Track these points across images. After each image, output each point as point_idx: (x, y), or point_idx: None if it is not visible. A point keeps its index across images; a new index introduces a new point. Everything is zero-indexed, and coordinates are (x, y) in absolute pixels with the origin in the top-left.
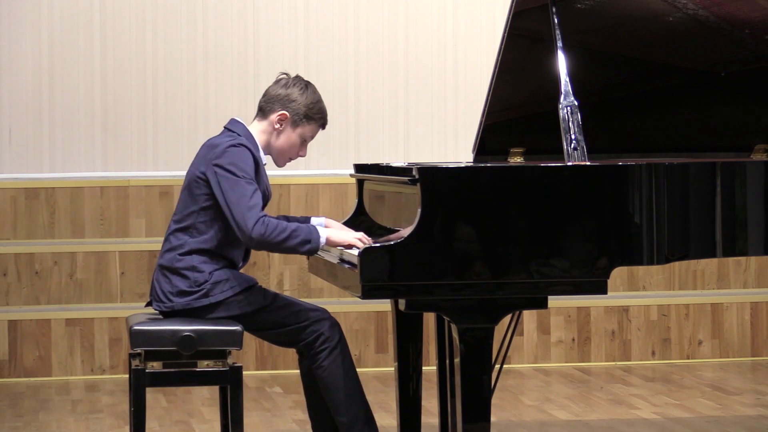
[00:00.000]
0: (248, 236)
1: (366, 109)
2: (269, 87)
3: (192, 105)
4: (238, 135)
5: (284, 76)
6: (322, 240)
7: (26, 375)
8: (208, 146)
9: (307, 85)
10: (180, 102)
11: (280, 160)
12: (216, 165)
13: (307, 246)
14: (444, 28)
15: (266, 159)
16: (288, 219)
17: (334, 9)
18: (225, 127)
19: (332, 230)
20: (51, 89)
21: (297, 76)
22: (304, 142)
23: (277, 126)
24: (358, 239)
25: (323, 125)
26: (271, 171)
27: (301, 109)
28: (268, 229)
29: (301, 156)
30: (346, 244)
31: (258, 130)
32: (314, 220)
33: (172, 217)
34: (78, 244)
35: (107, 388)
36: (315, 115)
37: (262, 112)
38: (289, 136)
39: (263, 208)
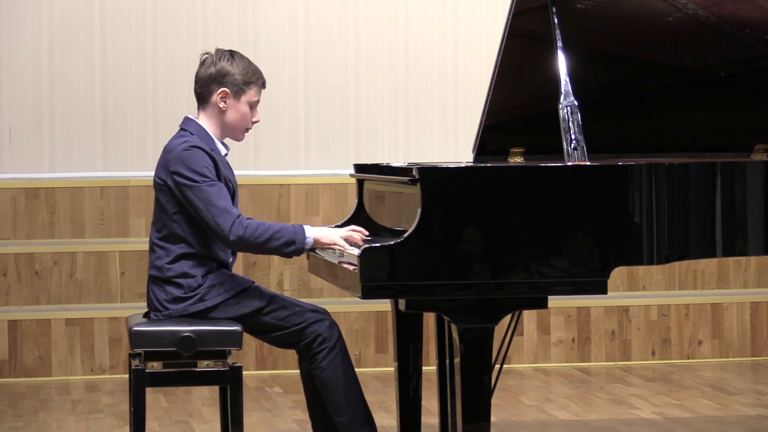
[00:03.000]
0: (226, 239)
1: (366, 109)
2: (197, 71)
3: (192, 105)
4: (191, 134)
5: (207, 55)
6: (309, 241)
7: (26, 375)
8: (164, 151)
9: (232, 54)
10: (180, 102)
11: (238, 134)
12: (172, 172)
13: (291, 247)
14: (444, 28)
15: (226, 147)
16: None
17: (334, 9)
18: (180, 127)
19: (320, 231)
20: (51, 89)
21: (218, 50)
22: (252, 108)
23: (221, 105)
24: (343, 237)
25: (263, 84)
26: (272, 171)
27: (238, 78)
28: (248, 231)
29: (255, 122)
30: (332, 243)
31: (205, 117)
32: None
33: (152, 224)
34: (78, 244)
35: (107, 388)
36: (252, 78)
37: (202, 98)
38: (237, 109)
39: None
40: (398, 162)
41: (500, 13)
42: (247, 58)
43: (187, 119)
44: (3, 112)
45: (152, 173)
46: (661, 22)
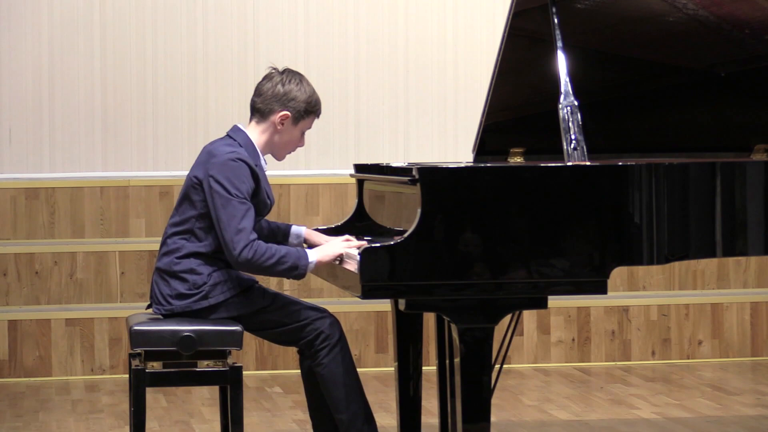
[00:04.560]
0: (234, 259)
1: (366, 109)
2: (262, 85)
3: (192, 105)
4: (239, 144)
5: (274, 71)
6: (311, 266)
7: (26, 375)
8: (208, 152)
9: (301, 79)
10: (180, 102)
11: (283, 154)
12: (212, 177)
13: (294, 272)
14: (444, 28)
15: (265, 162)
16: (269, 224)
17: (334, 9)
18: (227, 134)
19: (321, 252)
20: (51, 89)
21: (287, 70)
22: (302, 135)
23: (279, 126)
24: (345, 247)
25: (319, 114)
26: (271, 171)
27: (302, 105)
28: (256, 255)
29: (300, 146)
30: (337, 256)
31: (258, 131)
32: (294, 229)
33: (170, 220)
34: (78, 244)
35: (107, 388)
36: (313, 108)
37: (260, 113)
38: (291, 133)
39: (265, 215)
40: (398, 162)
41: (500, 13)
42: (312, 86)
43: (236, 128)
44: (3, 112)
45: (152, 173)
46: (661, 22)
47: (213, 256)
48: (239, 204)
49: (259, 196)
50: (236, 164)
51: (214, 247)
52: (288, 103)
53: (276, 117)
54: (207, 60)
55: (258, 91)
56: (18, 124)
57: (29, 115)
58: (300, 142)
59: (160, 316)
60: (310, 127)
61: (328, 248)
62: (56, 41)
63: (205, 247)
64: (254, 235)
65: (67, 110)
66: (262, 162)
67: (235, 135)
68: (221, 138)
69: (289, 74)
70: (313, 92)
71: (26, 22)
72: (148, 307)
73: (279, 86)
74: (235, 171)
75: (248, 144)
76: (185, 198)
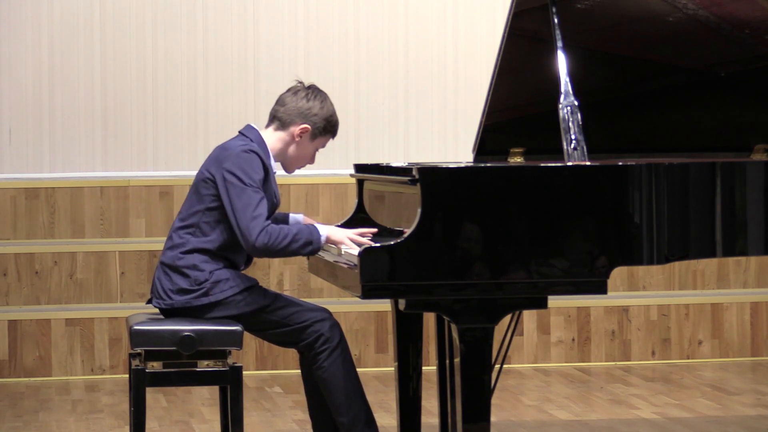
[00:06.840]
0: (252, 245)
1: (366, 109)
2: (286, 96)
3: (192, 105)
4: (251, 141)
5: (300, 85)
6: (323, 239)
7: (26, 375)
8: (221, 148)
9: (325, 98)
10: (180, 102)
11: (292, 168)
12: (225, 169)
13: (309, 248)
14: (444, 29)
15: (276, 166)
16: None
17: (334, 9)
18: (240, 132)
19: (331, 228)
20: (51, 89)
21: (312, 86)
22: (315, 152)
23: (297, 138)
24: (351, 239)
25: (335, 136)
26: None
27: (321, 123)
28: (272, 237)
29: (310, 164)
30: (343, 241)
31: (274, 138)
32: (293, 216)
33: (178, 215)
34: (78, 244)
35: (107, 388)
36: (332, 128)
37: (281, 122)
38: (305, 148)
39: (270, 215)
40: (398, 162)
41: (500, 13)
42: (333, 106)
43: (249, 127)
44: (3, 112)
45: (152, 173)
46: (661, 22)
47: (217, 253)
48: (254, 193)
49: (268, 192)
50: (248, 155)
51: (219, 243)
52: (310, 118)
53: (296, 129)
54: (207, 60)
55: (282, 101)
56: (18, 124)
57: (29, 115)
58: (311, 159)
59: (160, 315)
60: (323, 146)
61: (336, 229)
62: (56, 41)
63: (211, 243)
64: (268, 222)
65: (67, 110)
66: (272, 163)
67: (248, 133)
68: (234, 137)
69: (315, 91)
70: (334, 112)
71: (26, 23)
72: (149, 301)
73: (303, 100)
74: (248, 161)
75: (261, 142)
76: (195, 192)
